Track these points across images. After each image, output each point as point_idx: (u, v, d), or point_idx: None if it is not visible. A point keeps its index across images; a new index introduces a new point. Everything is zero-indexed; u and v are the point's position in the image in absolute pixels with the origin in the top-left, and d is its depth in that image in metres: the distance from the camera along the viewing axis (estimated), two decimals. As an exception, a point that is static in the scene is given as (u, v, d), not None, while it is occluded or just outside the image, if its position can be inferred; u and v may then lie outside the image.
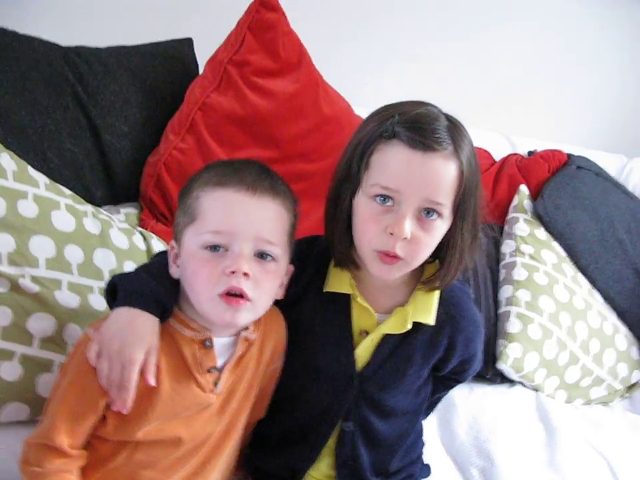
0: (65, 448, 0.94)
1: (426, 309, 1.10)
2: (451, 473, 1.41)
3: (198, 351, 1.00)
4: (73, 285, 1.23)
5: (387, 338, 1.11)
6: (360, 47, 2.18)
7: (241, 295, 0.95)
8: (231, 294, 0.95)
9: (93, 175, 1.61)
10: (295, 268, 1.07)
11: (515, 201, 1.95)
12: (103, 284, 1.19)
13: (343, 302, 1.11)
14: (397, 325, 1.10)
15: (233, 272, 0.94)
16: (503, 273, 1.82)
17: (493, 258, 1.85)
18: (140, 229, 1.48)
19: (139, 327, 0.96)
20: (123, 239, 1.37)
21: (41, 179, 1.31)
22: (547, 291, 1.77)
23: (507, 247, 1.86)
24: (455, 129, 1.01)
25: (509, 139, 2.24)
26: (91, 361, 0.94)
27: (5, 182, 1.23)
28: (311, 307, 1.12)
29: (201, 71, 1.76)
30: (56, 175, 1.47)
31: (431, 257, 1.06)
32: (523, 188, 1.97)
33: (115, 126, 1.62)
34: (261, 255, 0.97)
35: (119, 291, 0.99)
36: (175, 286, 1.02)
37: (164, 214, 1.65)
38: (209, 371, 1.01)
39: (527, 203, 1.94)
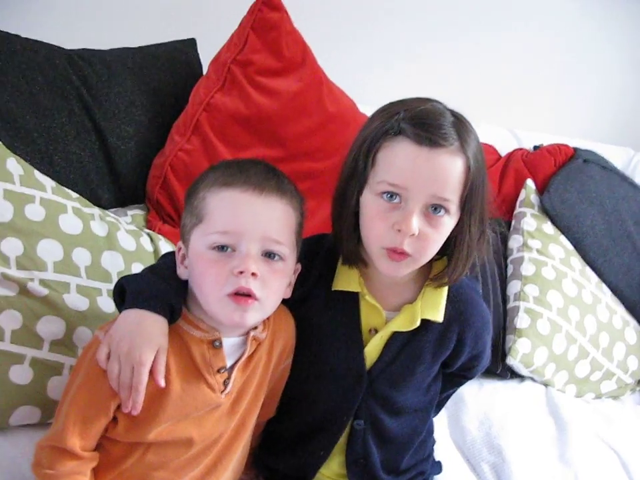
0: (77, 450, 0.94)
1: (434, 306, 1.10)
2: (461, 469, 1.41)
3: (207, 352, 1.00)
4: (82, 288, 1.23)
5: (395, 335, 1.11)
6: (361, 47, 2.18)
7: (249, 295, 0.95)
8: (239, 294, 0.95)
9: (99, 177, 1.61)
10: (302, 267, 1.07)
11: (522, 196, 1.95)
12: (111, 286, 1.19)
13: (352, 300, 1.11)
14: (406, 322, 1.10)
15: (241, 272, 0.94)
16: (510, 268, 1.82)
17: (500, 253, 1.84)
18: (147, 230, 1.48)
19: (147, 328, 0.96)
20: (130, 241, 1.37)
21: (48, 182, 1.31)
22: (555, 286, 1.76)
23: (515, 242, 1.86)
24: (460, 124, 1.00)
25: (514, 133, 2.24)
26: (101, 363, 0.94)
27: (12, 186, 1.23)
28: (320, 305, 1.12)
29: (204, 71, 1.76)
30: (62, 178, 1.48)
31: (438, 253, 1.06)
32: (530, 182, 1.97)
33: (120, 128, 1.63)
34: (269, 255, 0.97)
35: (127, 292, 1.00)
36: (183, 287, 1.02)
37: (171, 215, 1.65)
38: (218, 371, 1.01)
39: (533, 197, 1.94)
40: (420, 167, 0.97)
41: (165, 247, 1.43)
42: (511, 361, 1.66)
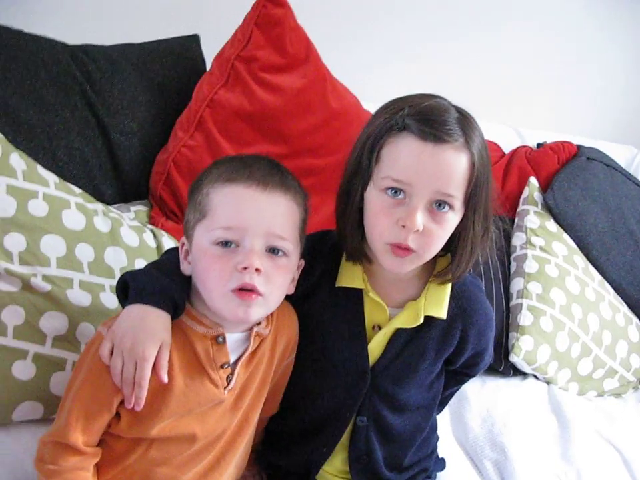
0: (80, 446, 0.94)
1: (438, 303, 1.10)
2: (464, 466, 1.41)
3: (211, 347, 1.00)
4: (85, 284, 1.23)
5: (399, 332, 1.11)
6: (361, 46, 2.17)
7: (252, 290, 0.95)
8: (243, 289, 0.94)
9: (102, 173, 1.61)
10: (306, 263, 1.07)
11: (525, 193, 1.94)
12: (114, 282, 1.19)
13: (355, 296, 1.11)
14: (409, 319, 1.09)
15: (245, 268, 0.94)
16: (514, 266, 1.81)
17: (503, 250, 1.84)
18: (150, 226, 1.48)
19: (150, 324, 0.95)
20: (133, 237, 1.37)
21: (51, 177, 1.31)
22: (558, 283, 1.76)
23: (518, 239, 1.85)
24: (465, 120, 1.00)
25: (517, 131, 2.24)
26: (104, 358, 0.94)
27: (15, 181, 1.23)
28: (323, 301, 1.12)
29: (208, 67, 1.75)
30: (65, 174, 1.48)
31: (442, 250, 1.06)
32: (533, 180, 1.97)
33: (123, 124, 1.62)
34: (273, 250, 0.97)
35: (130, 288, 0.99)
36: (186, 283, 1.02)
37: (174, 211, 1.65)
38: (221, 367, 1.01)
39: (537, 195, 1.94)
40: (424, 162, 0.97)
41: (168, 242, 1.43)
42: (514, 358, 1.66)
